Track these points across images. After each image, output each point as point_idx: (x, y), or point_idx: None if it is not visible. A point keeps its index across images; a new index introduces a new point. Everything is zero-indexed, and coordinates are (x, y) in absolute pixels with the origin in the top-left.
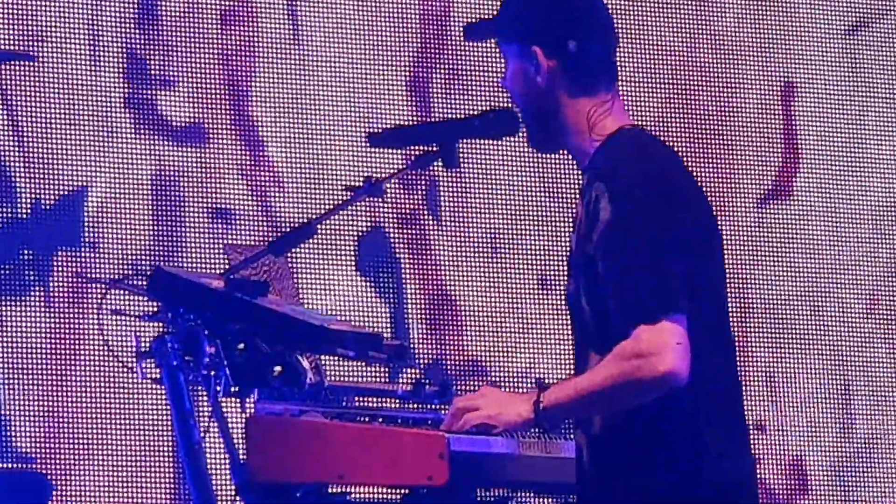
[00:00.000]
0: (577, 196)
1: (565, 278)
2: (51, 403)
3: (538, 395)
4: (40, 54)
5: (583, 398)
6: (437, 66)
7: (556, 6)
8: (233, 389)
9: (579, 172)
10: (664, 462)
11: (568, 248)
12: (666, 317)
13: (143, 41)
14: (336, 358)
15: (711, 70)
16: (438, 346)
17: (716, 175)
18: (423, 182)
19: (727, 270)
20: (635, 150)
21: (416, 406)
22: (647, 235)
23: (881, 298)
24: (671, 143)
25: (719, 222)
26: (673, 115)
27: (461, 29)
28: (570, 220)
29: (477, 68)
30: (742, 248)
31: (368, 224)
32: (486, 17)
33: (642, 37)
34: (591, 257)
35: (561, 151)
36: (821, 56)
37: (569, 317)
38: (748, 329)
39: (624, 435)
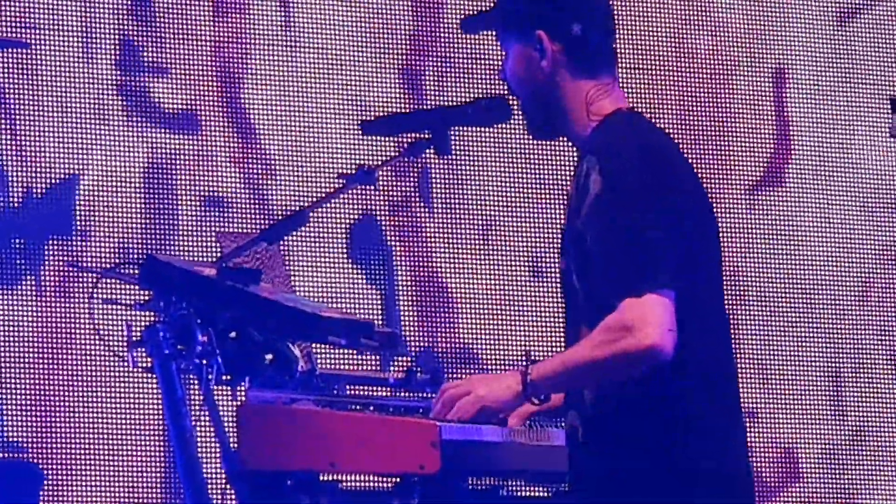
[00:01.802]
0: (571, 178)
1: (558, 262)
2: (42, 393)
3: (526, 368)
4: (33, 41)
5: (569, 370)
6: (430, 53)
7: None
8: (224, 378)
9: (571, 159)
10: (656, 440)
11: (559, 235)
12: (652, 290)
13: (135, 28)
14: (328, 346)
15: (703, 57)
16: (430, 334)
17: (708, 162)
18: (415, 170)
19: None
20: (630, 129)
21: (407, 394)
22: (636, 209)
23: (873, 287)
24: (665, 129)
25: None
26: (665, 102)
27: (454, 17)
28: (562, 208)
29: (469, 56)
30: (734, 236)
31: (360, 212)
32: (481, 7)
33: (635, 24)
34: (581, 232)
35: (558, 141)
36: (813, 43)
37: (562, 297)
38: (740, 317)
39: (615, 413)
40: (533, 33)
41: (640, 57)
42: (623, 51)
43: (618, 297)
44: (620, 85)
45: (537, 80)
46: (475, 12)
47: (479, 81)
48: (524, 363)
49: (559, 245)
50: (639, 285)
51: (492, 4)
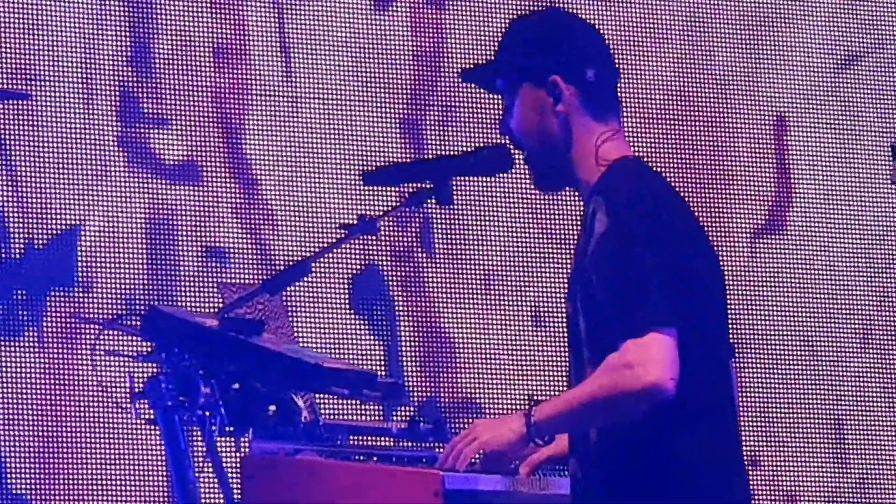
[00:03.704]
0: (574, 226)
1: (562, 310)
2: (45, 444)
3: (529, 410)
4: (33, 92)
5: (572, 409)
6: (430, 103)
7: (569, 36)
8: (228, 429)
9: (574, 209)
10: (656, 483)
11: (562, 284)
12: (654, 330)
13: (136, 79)
14: (331, 396)
15: (705, 104)
16: (432, 384)
17: (709, 210)
18: (417, 220)
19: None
20: (636, 173)
21: (410, 444)
22: (639, 249)
23: (874, 333)
24: (667, 177)
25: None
26: (667, 148)
27: (454, 67)
28: (564, 256)
29: (470, 105)
30: (736, 283)
31: (362, 262)
32: (480, 54)
33: (638, 71)
34: (588, 272)
35: (563, 189)
36: (813, 90)
37: (567, 344)
38: (742, 364)
39: (616, 456)
40: (547, 78)
41: (642, 104)
42: (625, 97)
43: (620, 336)
44: (624, 129)
45: (549, 126)
46: (476, 63)
47: (480, 131)
48: (529, 404)
49: (562, 294)
50: (640, 324)
51: (491, 57)
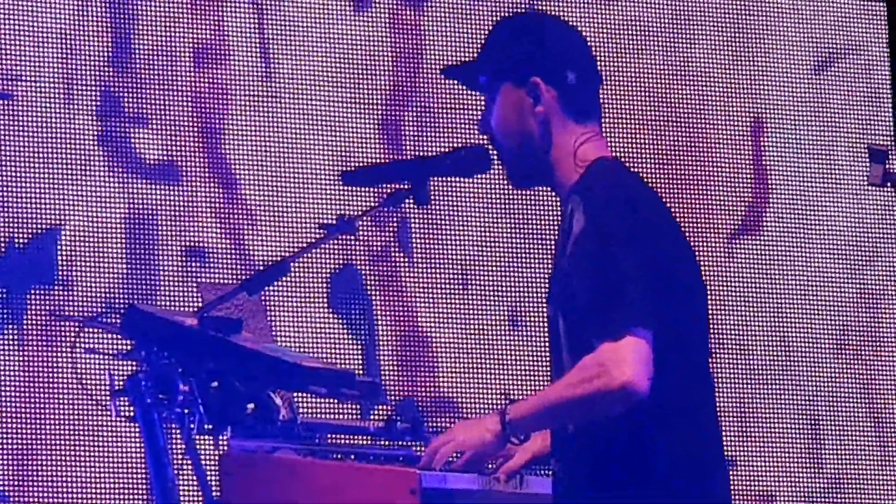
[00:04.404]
0: (551, 227)
1: (540, 311)
2: (24, 441)
3: (505, 409)
4: (14, 92)
5: (547, 409)
6: (409, 104)
7: (552, 39)
8: (207, 427)
9: (550, 209)
10: (636, 478)
11: (539, 284)
12: (630, 331)
13: (116, 79)
14: (309, 395)
15: (685, 108)
16: (410, 383)
17: (688, 211)
18: (395, 219)
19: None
20: (614, 174)
21: (387, 443)
22: (618, 249)
23: (848, 332)
24: (645, 179)
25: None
26: (647, 150)
27: (433, 67)
28: (541, 256)
29: (449, 106)
30: (713, 284)
31: (341, 261)
32: (458, 55)
33: (621, 76)
34: (567, 271)
35: (534, 190)
36: (790, 95)
37: (547, 345)
38: (719, 365)
39: (593, 454)
40: (529, 79)
41: (624, 108)
42: (608, 102)
43: (597, 337)
44: (605, 134)
45: (529, 125)
46: (459, 61)
47: (458, 132)
48: (504, 403)
49: (538, 294)
50: (617, 326)
51: (474, 56)
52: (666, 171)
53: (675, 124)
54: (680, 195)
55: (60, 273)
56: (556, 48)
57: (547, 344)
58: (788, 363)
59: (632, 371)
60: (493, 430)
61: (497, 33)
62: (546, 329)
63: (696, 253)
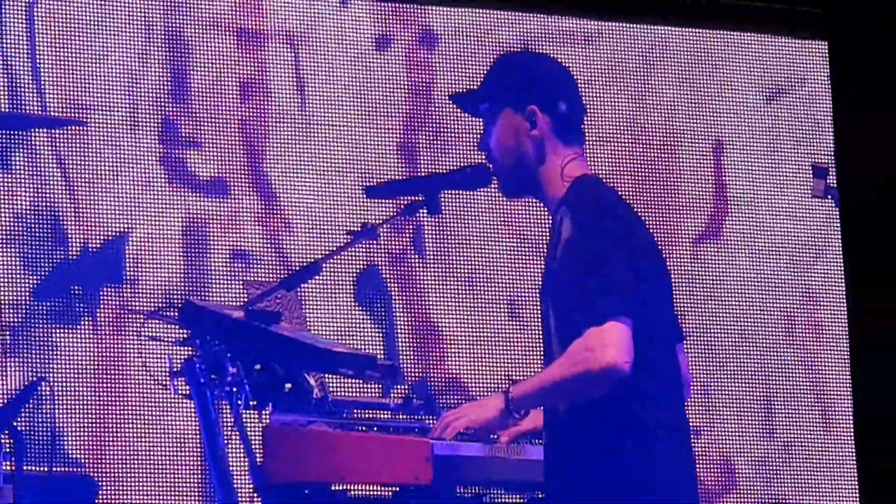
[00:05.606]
0: (544, 234)
1: (534, 305)
2: (97, 417)
3: (508, 389)
4: (88, 120)
5: (544, 387)
6: (423, 129)
7: (546, 74)
8: (251, 403)
9: (543, 221)
10: (616, 446)
11: (533, 282)
12: (612, 318)
13: (174, 108)
14: (338, 376)
15: (654, 130)
16: (424, 367)
17: (657, 219)
18: (411, 227)
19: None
20: (595, 188)
21: (405, 417)
22: (600, 251)
23: (796, 322)
24: (621, 192)
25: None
26: (623, 167)
27: (443, 99)
28: (534, 258)
29: (456, 132)
30: (679, 281)
31: (365, 263)
32: (464, 88)
33: (597, 102)
34: (556, 271)
35: (529, 202)
36: (746, 118)
37: (540, 334)
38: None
39: (579, 427)
40: (527, 107)
41: (602, 130)
42: (589, 125)
43: (584, 324)
44: (586, 154)
45: (525, 146)
46: (465, 89)
47: (465, 152)
48: (507, 384)
49: (533, 290)
50: (600, 314)
51: (481, 82)
52: (641, 185)
53: (646, 146)
54: (651, 205)
55: (128, 273)
56: (551, 82)
57: (540, 332)
58: (746, 348)
59: (615, 353)
60: (499, 408)
61: (500, 66)
62: (539, 319)
63: (666, 254)
